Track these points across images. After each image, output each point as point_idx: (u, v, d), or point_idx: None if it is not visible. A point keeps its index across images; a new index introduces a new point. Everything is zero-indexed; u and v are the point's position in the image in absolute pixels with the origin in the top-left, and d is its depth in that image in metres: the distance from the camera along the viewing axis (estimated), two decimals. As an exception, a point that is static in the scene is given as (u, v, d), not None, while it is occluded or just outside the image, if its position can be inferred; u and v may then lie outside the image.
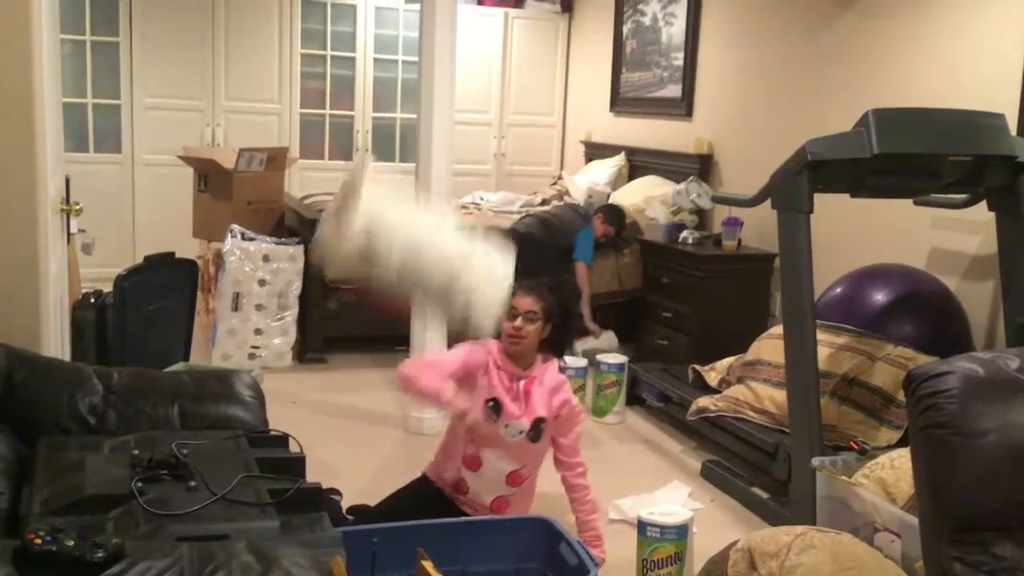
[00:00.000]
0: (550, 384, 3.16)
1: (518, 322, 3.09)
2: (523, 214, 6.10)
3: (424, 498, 3.19)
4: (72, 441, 2.43)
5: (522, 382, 3.13)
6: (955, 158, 3.39)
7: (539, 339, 3.14)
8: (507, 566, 2.70)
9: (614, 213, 5.73)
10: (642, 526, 2.92)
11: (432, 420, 4.42)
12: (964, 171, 3.46)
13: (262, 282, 5.17)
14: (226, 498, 2.10)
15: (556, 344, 3.25)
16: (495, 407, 3.08)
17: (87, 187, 5.70)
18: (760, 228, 5.27)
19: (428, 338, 4.36)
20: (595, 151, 7.36)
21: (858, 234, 4.68)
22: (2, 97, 2.74)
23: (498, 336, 3.12)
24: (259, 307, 5.18)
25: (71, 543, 1.60)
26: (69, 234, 3.60)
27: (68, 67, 6.55)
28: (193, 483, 2.14)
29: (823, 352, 3.75)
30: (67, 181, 3.56)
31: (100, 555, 1.59)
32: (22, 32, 2.74)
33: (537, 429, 3.12)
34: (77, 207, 3.43)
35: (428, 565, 1.97)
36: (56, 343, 3.13)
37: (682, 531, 2.90)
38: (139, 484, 2.10)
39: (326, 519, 2.21)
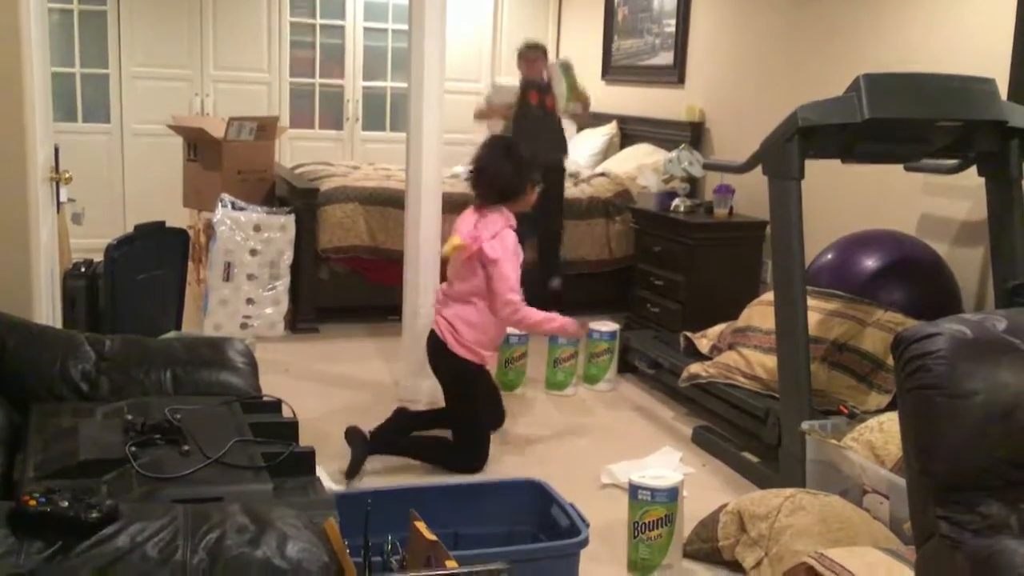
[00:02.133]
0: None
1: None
2: None
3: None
4: (65, 407, 2.43)
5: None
6: (945, 123, 3.39)
7: None
8: (500, 528, 2.73)
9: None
10: (633, 489, 2.94)
11: (431, 392, 4.43)
12: (954, 136, 3.47)
13: (253, 252, 5.16)
14: (220, 462, 2.11)
15: None
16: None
17: (76, 157, 5.70)
18: (752, 195, 5.27)
19: (421, 305, 4.36)
20: (587, 120, 7.34)
21: (849, 200, 4.69)
22: (-11, 67, 2.72)
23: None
24: (251, 277, 5.18)
25: (66, 504, 1.61)
26: (59, 203, 3.59)
27: (56, 36, 6.50)
28: (187, 447, 2.15)
29: (814, 318, 3.77)
30: (56, 150, 3.55)
31: (95, 515, 1.60)
32: (8, 3, 2.72)
33: None
34: (67, 176, 3.42)
35: (421, 526, 1.99)
36: (47, 312, 3.12)
37: (672, 494, 2.92)
38: (133, 449, 2.10)
39: (319, 482, 2.23)
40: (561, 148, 5.58)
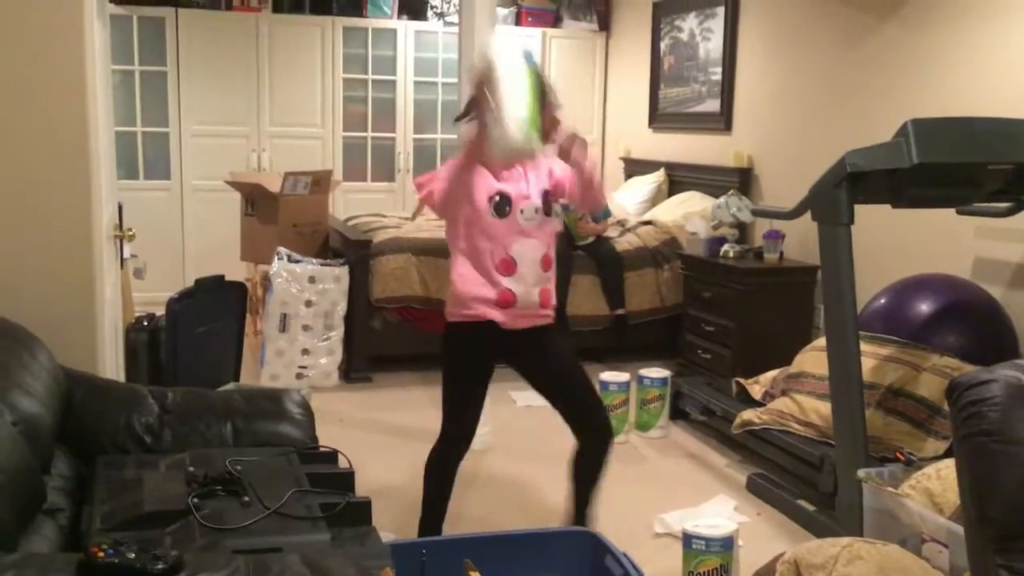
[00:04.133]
0: (544, 164, 3.11)
1: None
2: None
3: (484, 355, 3.18)
4: (129, 459, 2.50)
5: (517, 168, 3.05)
6: (996, 166, 3.37)
7: None
8: (554, 579, 2.72)
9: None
10: (687, 539, 2.93)
11: (479, 436, 4.45)
12: (1006, 179, 3.44)
13: (308, 303, 5.26)
14: (279, 512, 2.15)
15: None
16: (502, 200, 3.00)
17: (138, 213, 5.86)
18: (802, 240, 5.26)
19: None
20: (635, 167, 7.39)
21: (901, 244, 4.66)
22: (59, 128, 2.84)
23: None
24: (306, 328, 5.27)
25: (133, 555, 1.66)
26: (122, 259, 3.71)
27: (118, 96, 6.73)
28: (247, 498, 2.21)
29: (868, 363, 3.74)
30: (120, 208, 3.67)
31: (160, 566, 1.65)
32: (76, 65, 2.84)
33: (547, 201, 3.07)
34: (130, 233, 3.53)
35: (476, 576, 2.01)
36: (112, 365, 3.21)
37: (727, 543, 2.91)
38: (195, 500, 2.16)
39: (375, 532, 2.26)
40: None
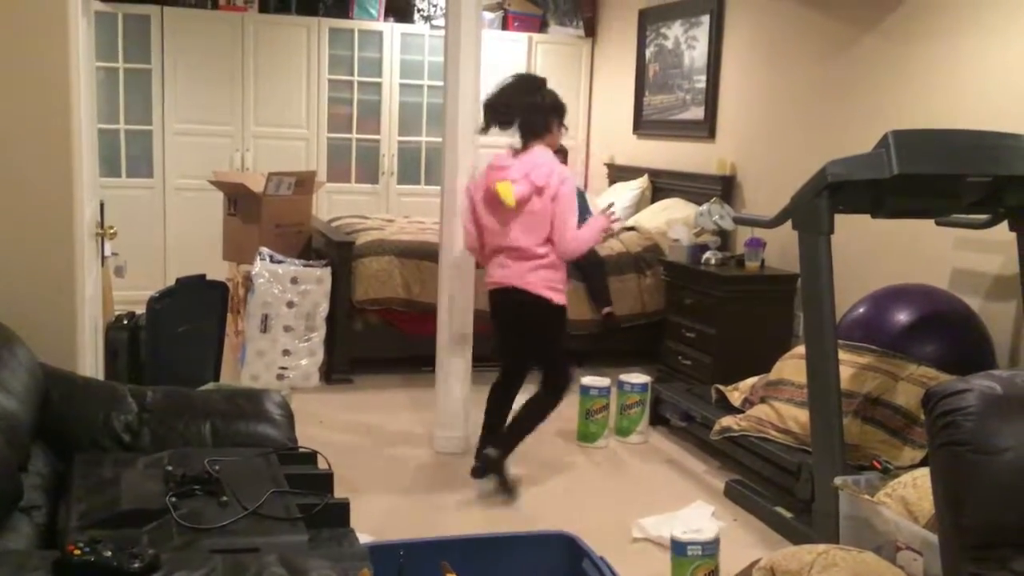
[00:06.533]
0: None
1: None
2: None
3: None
4: (107, 457, 2.49)
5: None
6: (975, 178, 3.41)
7: None
8: (531, 582, 2.73)
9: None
10: (679, 546, 2.93)
11: (458, 440, 4.47)
12: (984, 191, 3.48)
13: (290, 304, 5.25)
14: (257, 513, 2.15)
15: None
16: None
17: (120, 212, 5.85)
18: (783, 248, 5.29)
19: (455, 356, 4.41)
20: (619, 173, 7.42)
21: (880, 254, 4.70)
22: (42, 125, 2.83)
23: None
24: (287, 328, 5.26)
25: (109, 554, 1.66)
26: (103, 257, 3.69)
27: (101, 94, 6.69)
28: (225, 498, 2.20)
29: (846, 372, 3.77)
30: (101, 205, 3.66)
31: (137, 565, 1.65)
32: (60, 62, 2.83)
33: None
34: (111, 231, 3.52)
35: (453, 578, 2.01)
36: (91, 363, 3.20)
37: (717, 544, 2.93)
38: (173, 499, 2.16)
39: (353, 533, 2.27)
40: None
